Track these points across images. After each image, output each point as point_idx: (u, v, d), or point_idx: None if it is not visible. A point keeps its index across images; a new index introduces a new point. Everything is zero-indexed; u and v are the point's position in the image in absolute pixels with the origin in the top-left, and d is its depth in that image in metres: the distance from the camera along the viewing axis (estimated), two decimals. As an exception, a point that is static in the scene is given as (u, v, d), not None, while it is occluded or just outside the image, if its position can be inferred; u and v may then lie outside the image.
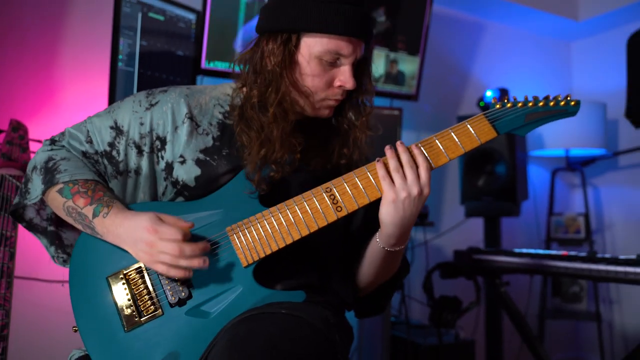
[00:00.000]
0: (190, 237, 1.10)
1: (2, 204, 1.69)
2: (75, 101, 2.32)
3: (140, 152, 1.22)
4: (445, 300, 2.26)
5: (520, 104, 1.23)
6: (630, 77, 3.04)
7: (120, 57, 2.04)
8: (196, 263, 1.06)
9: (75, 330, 1.14)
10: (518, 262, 2.04)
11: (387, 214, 1.13)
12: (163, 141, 1.23)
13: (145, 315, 1.11)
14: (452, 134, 1.20)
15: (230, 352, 0.95)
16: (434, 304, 2.27)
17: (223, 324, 1.10)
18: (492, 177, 2.93)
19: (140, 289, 1.13)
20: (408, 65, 2.84)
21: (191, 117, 1.24)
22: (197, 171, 1.22)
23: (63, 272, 2.18)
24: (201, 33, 2.31)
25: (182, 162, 1.23)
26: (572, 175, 3.93)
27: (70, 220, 1.17)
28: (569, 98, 1.25)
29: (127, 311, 1.11)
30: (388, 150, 1.15)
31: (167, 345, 1.09)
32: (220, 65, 2.38)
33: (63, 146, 1.21)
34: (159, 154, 1.24)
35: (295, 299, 1.13)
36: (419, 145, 1.17)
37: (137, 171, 1.24)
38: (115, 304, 1.12)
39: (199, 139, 1.24)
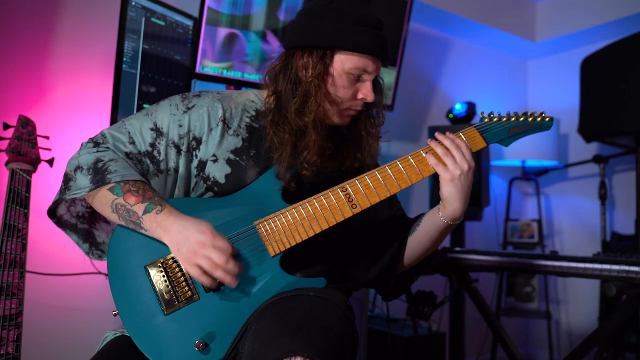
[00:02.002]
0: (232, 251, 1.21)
1: (14, 197, 1.75)
2: (70, 98, 2.38)
3: (179, 151, 1.33)
4: (422, 295, 2.46)
5: (504, 119, 1.43)
6: (582, 96, 3.35)
7: (124, 58, 2.13)
8: (229, 279, 1.17)
9: (115, 314, 1.25)
10: (489, 260, 2.24)
11: (449, 193, 1.30)
12: (199, 141, 1.34)
13: (183, 300, 1.23)
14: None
15: (280, 323, 1.09)
16: (412, 298, 2.46)
17: (254, 307, 1.23)
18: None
19: (178, 276, 1.25)
20: (386, 76, 3.03)
21: (224, 120, 1.37)
22: (228, 169, 1.35)
23: (69, 266, 2.24)
24: (197, 39, 2.42)
25: (215, 161, 1.35)
26: (527, 185, 4.24)
27: (113, 217, 1.25)
28: (543, 115, 1.46)
29: (167, 296, 1.23)
30: (432, 142, 1.34)
31: (204, 326, 1.22)
32: (213, 71, 2.50)
33: (108, 148, 1.29)
34: (194, 152, 1.35)
35: (317, 285, 1.28)
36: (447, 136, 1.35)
37: (176, 169, 1.35)
38: (155, 289, 1.23)
39: (230, 140, 1.37)
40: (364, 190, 1.33)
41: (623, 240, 3.42)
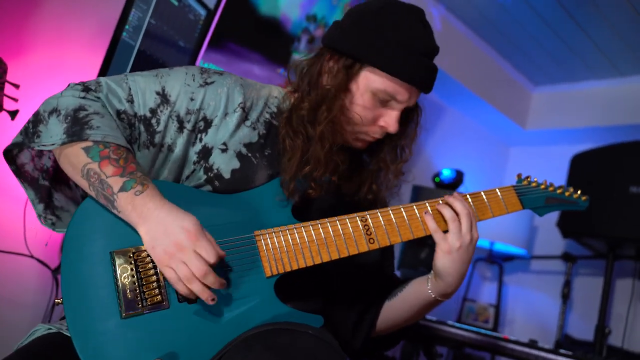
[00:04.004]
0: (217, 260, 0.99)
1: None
2: (52, 54, 2.11)
3: (181, 128, 1.13)
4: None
5: (542, 186, 1.34)
6: (567, 191, 3.33)
7: (127, 27, 1.91)
8: (206, 295, 0.96)
9: (58, 304, 0.99)
10: (468, 336, 2.09)
11: (445, 266, 1.14)
12: (208, 123, 1.15)
13: (149, 305, 0.99)
14: (484, 196, 1.25)
15: (274, 355, 0.88)
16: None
17: (234, 332, 1.00)
18: (432, 252, 3.02)
19: (149, 274, 1.01)
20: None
21: (244, 108, 1.17)
22: (236, 164, 1.15)
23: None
24: (206, 31, 2.24)
25: (224, 151, 1.15)
26: (488, 268, 4.15)
27: (82, 183, 1.02)
28: (579, 193, 1.37)
29: (130, 295, 0.98)
30: (441, 203, 1.18)
31: (166, 343, 0.97)
32: (213, 68, 2.30)
33: (99, 98, 1.07)
34: (199, 135, 1.14)
35: (314, 323, 1.06)
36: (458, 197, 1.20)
37: (171, 148, 1.13)
38: (117, 283, 0.99)
39: (246, 131, 1.17)
40: (385, 226, 1.16)
41: (576, 344, 3.35)
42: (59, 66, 2.12)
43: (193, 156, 1.15)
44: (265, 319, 1.04)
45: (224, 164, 1.14)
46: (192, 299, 1.01)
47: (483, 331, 2.19)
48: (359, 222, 1.14)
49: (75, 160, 1.02)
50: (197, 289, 0.95)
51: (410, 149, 1.30)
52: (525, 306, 3.96)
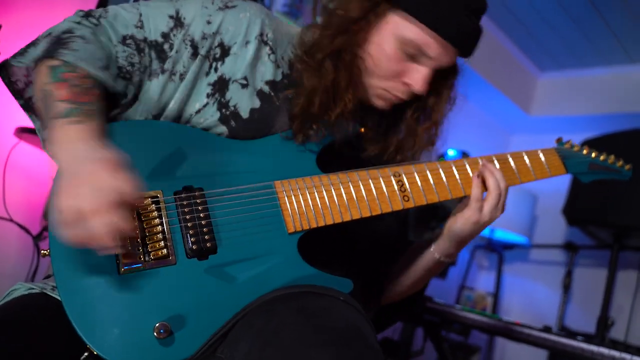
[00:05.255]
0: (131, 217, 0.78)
1: None
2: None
3: (195, 54, 1.00)
4: (388, 344, 2.13)
5: (585, 151, 1.24)
6: (574, 179, 3.24)
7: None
8: (99, 241, 0.74)
9: (45, 255, 0.83)
10: (478, 319, 1.99)
11: (464, 232, 1.08)
12: (225, 51, 1.01)
13: (152, 259, 0.84)
14: (525, 157, 1.16)
15: (313, 327, 0.74)
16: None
17: (250, 295, 0.86)
18: (442, 222, 2.90)
19: (154, 223, 0.86)
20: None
21: (267, 41, 1.04)
22: (256, 103, 1.02)
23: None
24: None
25: (244, 86, 1.01)
26: (486, 256, 4.05)
27: (38, 103, 0.91)
28: (622, 162, 1.28)
29: (130, 247, 0.83)
30: (484, 168, 1.08)
31: (171, 305, 0.83)
32: None
33: (97, 25, 0.95)
34: (215, 64, 1.01)
35: (343, 288, 0.92)
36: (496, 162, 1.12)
37: (182, 76, 0.99)
38: None
39: (270, 67, 1.04)
40: (421, 183, 1.04)
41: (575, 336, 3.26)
42: (46, 6, 1.94)
43: (206, 88, 1.00)
44: (287, 281, 0.89)
45: (243, 101, 1.00)
46: (203, 253, 0.87)
47: (496, 316, 2.08)
48: (392, 177, 1.03)
49: (39, 80, 0.90)
50: (81, 233, 0.73)
51: (442, 113, 1.14)
52: (524, 296, 3.86)
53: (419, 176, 1.04)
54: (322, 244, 1.00)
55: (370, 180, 1.00)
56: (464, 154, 3.08)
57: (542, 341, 1.88)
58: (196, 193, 0.90)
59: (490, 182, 1.06)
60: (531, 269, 3.89)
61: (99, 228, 0.72)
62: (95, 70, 0.90)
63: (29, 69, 0.95)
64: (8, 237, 1.98)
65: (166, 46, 0.98)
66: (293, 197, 0.95)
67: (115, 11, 0.98)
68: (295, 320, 0.75)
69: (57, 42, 0.90)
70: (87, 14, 0.96)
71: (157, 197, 0.88)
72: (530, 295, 3.84)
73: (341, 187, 0.98)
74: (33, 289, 0.90)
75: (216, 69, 1.01)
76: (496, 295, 3.62)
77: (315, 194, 0.96)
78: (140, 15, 0.98)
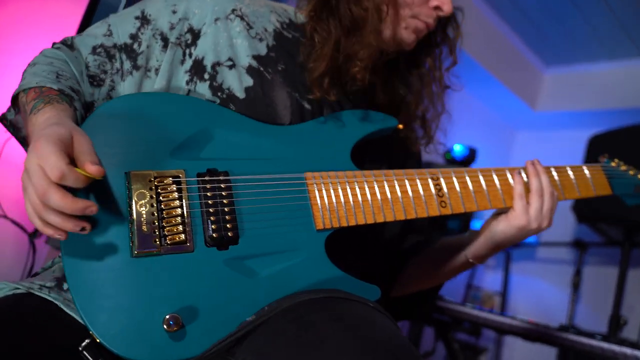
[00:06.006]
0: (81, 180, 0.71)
1: None
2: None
3: (165, 45, 0.97)
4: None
5: (632, 172, 1.18)
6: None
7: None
8: (67, 225, 0.70)
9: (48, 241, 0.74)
10: (490, 318, 1.93)
11: (505, 236, 1.00)
12: (196, 35, 0.98)
13: (168, 244, 0.76)
14: (570, 172, 1.10)
15: (355, 337, 0.68)
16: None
17: (271, 294, 0.79)
18: (444, 232, 2.83)
19: (173, 205, 0.78)
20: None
21: (241, 16, 1.00)
22: (249, 81, 0.96)
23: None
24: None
25: (231, 67, 0.97)
26: (495, 254, 3.98)
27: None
28: None
29: (145, 228, 0.75)
30: (530, 167, 1.02)
31: (184, 295, 0.75)
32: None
33: (62, 45, 0.97)
34: (188, 50, 0.97)
35: (371, 295, 0.84)
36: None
37: (157, 70, 0.96)
38: (130, 212, 0.76)
39: (250, 42, 0.99)
40: (460, 191, 0.97)
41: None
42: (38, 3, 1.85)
43: (184, 76, 0.97)
44: (311, 281, 0.82)
45: (235, 81, 0.95)
46: (223, 243, 0.78)
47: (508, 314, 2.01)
48: (429, 180, 0.96)
49: (21, 106, 0.86)
50: (29, 209, 0.70)
51: (455, 56, 1.12)
52: (532, 295, 3.80)
53: (458, 182, 0.97)
54: (339, 243, 0.92)
55: (406, 180, 0.93)
56: (471, 150, 3.00)
57: (560, 340, 1.81)
58: (221, 177, 0.82)
59: (533, 182, 0.99)
60: (539, 268, 3.83)
61: (28, 212, 0.70)
62: (54, 84, 0.85)
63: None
64: (3, 234, 1.88)
65: (135, 45, 0.96)
66: (324, 191, 0.87)
67: (87, 31, 0.99)
68: (336, 331, 0.68)
69: (24, 74, 0.91)
70: (62, 40, 0.98)
71: (178, 176, 0.80)
72: (538, 294, 3.77)
73: (376, 185, 0.91)
74: (18, 288, 0.81)
75: (190, 55, 0.97)
76: (504, 295, 3.55)
77: (348, 190, 0.89)
78: (109, 25, 0.98)
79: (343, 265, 0.87)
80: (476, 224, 3.30)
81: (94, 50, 0.95)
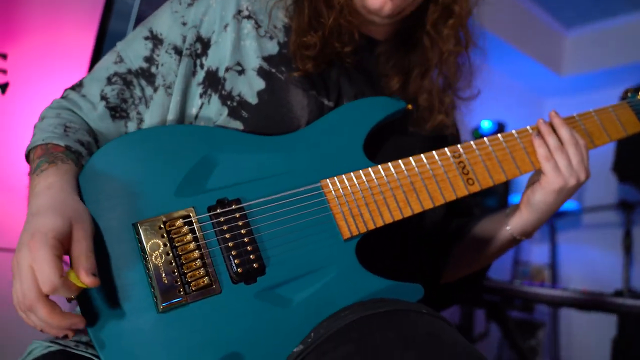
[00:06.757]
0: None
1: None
2: (48, 14, 1.85)
3: (181, 58, 0.93)
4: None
5: None
6: (621, 133, 3.05)
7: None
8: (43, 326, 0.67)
9: (71, 300, 0.73)
10: (541, 292, 1.87)
11: (546, 203, 0.94)
12: (206, 44, 0.93)
13: (194, 291, 0.73)
14: (595, 116, 1.02)
15: (419, 351, 0.63)
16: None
17: (310, 319, 0.74)
18: (481, 209, 2.76)
19: (189, 249, 0.74)
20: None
21: (247, 16, 0.95)
22: (260, 84, 0.91)
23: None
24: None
25: (240, 72, 0.91)
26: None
27: None
28: None
29: (165, 279, 0.72)
30: (543, 125, 0.94)
31: (222, 340, 0.71)
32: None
33: (73, 89, 0.94)
34: (199, 61, 0.93)
35: (415, 295, 0.80)
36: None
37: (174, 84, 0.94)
38: (146, 266, 0.72)
39: (262, 42, 0.94)
40: (485, 162, 0.91)
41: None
42: (51, 35, 1.86)
43: (197, 89, 0.93)
44: (351, 296, 0.77)
45: (245, 86, 0.90)
46: (250, 276, 0.75)
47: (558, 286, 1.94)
48: (451, 159, 0.89)
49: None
50: (33, 319, 0.67)
51: (467, 10, 1.01)
52: (583, 263, 3.68)
53: (481, 154, 0.90)
54: (370, 245, 0.88)
55: (427, 165, 0.87)
56: (500, 125, 2.91)
57: (617, 306, 1.75)
58: (233, 206, 0.77)
59: (550, 141, 0.92)
60: (586, 234, 3.70)
61: (14, 300, 0.68)
62: (61, 140, 0.82)
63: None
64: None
65: (153, 69, 0.93)
66: (344, 197, 0.82)
67: (96, 66, 0.95)
68: (404, 352, 0.63)
69: (34, 131, 0.88)
70: (71, 87, 0.94)
71: (188, 216, 0.76)
72: (589, 262, 3.65)
73: (396, 177, 0.85)
74: (51, 347, 0.79)
75: (202, 66, 0.93)
76: (553, 266, 3.45)
77: (369, 190, 0.83)
78: (118, 52, 0.94)
79: (382, 269, 0.83)
80: (515, 199, 3.20)
81: (109, 81, 0.92)
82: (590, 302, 1.91)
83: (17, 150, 1.91)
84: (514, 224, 0.99)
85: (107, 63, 0.94)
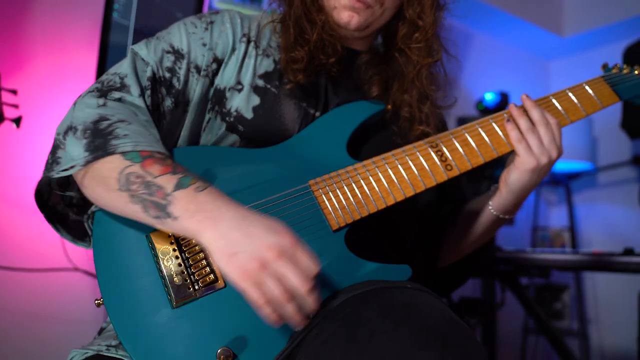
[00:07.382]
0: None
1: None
2: (50, 47, 1.95)
3: (199, 75, 1.00)
4: (467, 303, 2.07)
5: (637, 71, 1.15)
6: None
7: (116, 6, 1.73)
8: (298, 318, 0.74)
9: (99, 304, 0.84)
10: (553, 258, 1.95)
11: (521, 181, 0.99)
12: (219, 63, 1.01)
13: (202, 287, 0.83)
14: (570, 94, 1.08)
15: (407, 326, 0.70)
16: (453, 306, 2.07)
17: None
18: (494, 182, 2.80)
19: (195, 251, 0.85)
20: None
21: (249, 39, 1.04)
22: (256, 100, 1.00)
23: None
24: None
25: (240, 90, 1.01)
26: (551, 192, 3.89)
27: (120, 200, 0.81)
28: None
29: (177, 279, 0.82)
30: (514, 109, 1.00)
31: (229, 328, 0.81)
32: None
33: (120, 99, 0.90)
34: (213, 79, 1.02)
35: (402, 275, 0.88)
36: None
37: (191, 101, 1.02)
38: (160, 269, 0.83)
39: (260, 61, 1.03)
40: (462, 149, 0.98)
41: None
42: (54, 63, 1.97)
43: (207, 105, 1.02)
44: (343, 280, 0.86)
45: (243, 102, 0.99)
46: None
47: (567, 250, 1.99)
48: (429, 149, 0.97)
49: (108, 172, 0.81)
50: (290, 311, 0.73)
51: (435, 20, 1.04)
52: (602, 223, 3.68)
53: (457, 141, 0.98)
54: (364, 234, 0.97)
55: (406, 157, 0.95)
56: (503, 95, 2.93)
57: (625, 266, 1.78)
58: None
59: (522, 123, 0.98)
60: (603, 194, 3.70)
61: (307, 306, 0.74)
62: (156, 147, 0.84)
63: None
64: (78, 285, 2.03)
65: (175, 81, 0.97)
66: (330, 192, 0.91)
67: (121, 76, 0.92)
68: (383, 323, 0.71)
69: (97, 135, 0.82)
70: (102, 91, 0.90)
71: None
72: (609, 221, 3.65)
73: (377, 170, 0.94)
74: (87, 352, 0.89)
75: (212, 83, 1.01)
76: (572, 229, 3.47)
77: (353, 184, 0.92)
78: (142, 59, 0.95)
79: (377, 255, 0.91)
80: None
81: (143, 93, 0.93)
82: (604, 263, 1.94)
83: (33, 180, 2.04)
84: (495, 204, 1.05)
85: (139, 72, 0.94)
